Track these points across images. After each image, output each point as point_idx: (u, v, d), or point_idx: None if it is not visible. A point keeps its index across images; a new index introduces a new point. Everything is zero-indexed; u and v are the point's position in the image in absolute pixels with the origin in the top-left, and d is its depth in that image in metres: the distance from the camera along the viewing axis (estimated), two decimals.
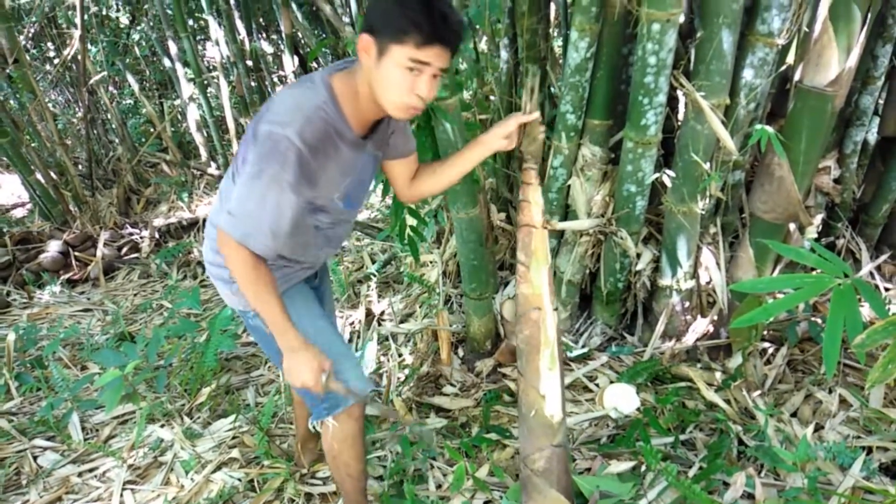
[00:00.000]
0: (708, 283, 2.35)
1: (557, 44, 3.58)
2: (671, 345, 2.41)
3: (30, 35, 6.79)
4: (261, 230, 1.37)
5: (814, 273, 1.48)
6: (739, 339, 2.29)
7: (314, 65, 6.93)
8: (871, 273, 2.61)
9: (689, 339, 2.40)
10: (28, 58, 5.36)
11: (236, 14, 5.22)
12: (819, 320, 2.37)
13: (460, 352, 2.69)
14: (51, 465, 2.38)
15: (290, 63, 5.26)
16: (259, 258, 1.42)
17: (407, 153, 1.71)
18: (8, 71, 4.92)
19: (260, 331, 1.66)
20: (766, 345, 2.39)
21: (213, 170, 5.84)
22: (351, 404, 1.65)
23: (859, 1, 1.79)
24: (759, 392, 2.18)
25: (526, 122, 1.63)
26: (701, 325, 2.40)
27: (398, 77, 1.35)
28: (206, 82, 5.77)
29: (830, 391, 2.14)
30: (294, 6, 5.05)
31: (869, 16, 1.86)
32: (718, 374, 2.29)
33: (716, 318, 2.40)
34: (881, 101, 2.49)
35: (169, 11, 5.60)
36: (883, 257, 2.62)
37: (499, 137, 1.64)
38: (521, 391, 1.69)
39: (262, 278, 1.45)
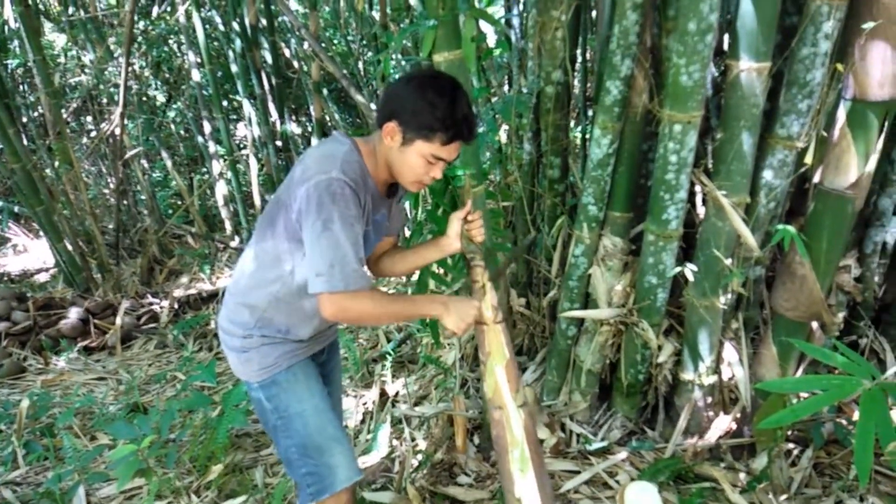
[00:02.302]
0: (730, 379, 2.32)
1: (574, 134, 3.71)
2: (694, 442, 2.35)
3: (71, 109, 7.15)
4: (351, 268, 1.42)
5: (839, 374, 1.47)
6: (764, 438, 2.23)
7: None
8: None
9: (711, 437, 2.35)
10: (68, 130, 5.62)
11: (269, 98, 5.47)
12: (845, 422, 2.31)
13: (476, 439, 2.63)
14: None
15: None
16: (364, 291, 1.45)
17: (396, 232, 1.83)
18: (48, 142, 5.15)
19: (259, 403, 1.69)
20: (791, 445, 2.32)
21: (235, 243, 5.96)
22: (339, 489, 1.62)
23: (875, 110, 1.86)
24: (785, 496, 2.10)
25: (463, 219, 1.72)
26: (724, 423, 2.35)
27: (419, 165, 1.50)
28: (236, 160, 5.98)
29: (862, 499, 2.06)
30: (325, 91, 5.31)
31: (886, 123, 1.92)
32: (742, 475, 2.22)
33: (739, 415, 2.35)
34: None
35: (205, 92, 5.89)
36: None
37: (452, 239, 1.74)
38: (503, 495, 1.62)
39: (383, 300, 1.51)
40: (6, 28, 6.13)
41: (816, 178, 2.07)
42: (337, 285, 1.41)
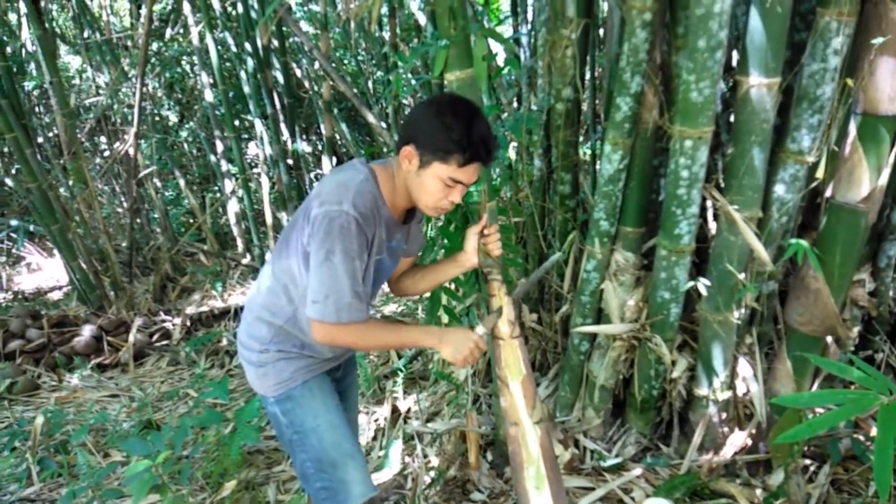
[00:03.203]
0: (745, 394, 2.31)
1: (584, 151, 3.73)
2: (709, 458, 2.33)
3: (86, 130, 7.25)
4: (345, 300, 1.46)
5: (855, 389, 1.46)
6: (780, 454, 2.21)
7: None
8: None
9: (727, 453, 2.33)
10: (82, 150, 5.70)
11: (281, 117, 5.53)
12: (862, 437, 2.29)
13: (489, 455, 2.62)
14: None
15: (328, 163, 5.52)
16: (353, 324, 1.50)
17: (414, 253, 1.85)
18: (63, 162, 5.23)
19: (275, 417, 1.71)
20: (808, 461, 2.30)
21: (247, 260, 6.00)
22: None
23: (887, 124, 1.86)
24: None
25: (480, 233, 1.73)
26: (739, 438, 2.33)
27: (437, 188, 1.50)
28: (248, 178, 6.04)
29: None
30: (335, 111, 5.37)
31: None
32: (759, 491, 2.19)
33: (754, 431, 2.33)
34: None
35: (218, 112, 5.97)
36: None
37: (469, 254, 1.74)
38: None
39: (372, 331, 1.55)
40: (24, 51, 6.27)
41: (828, 193, 2.07)
42: (329, 316, 1.47)
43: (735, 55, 2.33)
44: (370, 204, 1.49)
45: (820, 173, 2.15)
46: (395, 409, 3.11)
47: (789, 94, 2.06)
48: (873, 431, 2.30)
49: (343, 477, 1.63)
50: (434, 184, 1.49)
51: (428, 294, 2.29)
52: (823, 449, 2.31)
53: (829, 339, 2.21)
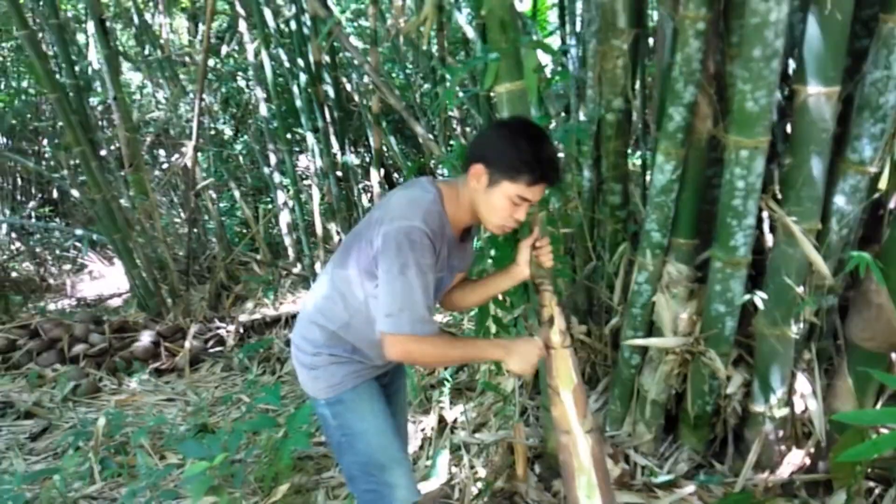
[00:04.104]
0: (803, 411, 2.24)
1: (633, 161, 3.69)
2: (765, 477, 2.26)
3: (146, 143, 7.57)
4: (419, 314, 1.49)
5: None
6: (841, 475, 2.13)
7: (396, 175, 7.35)
8: None
9: (784, 472, 2.26)
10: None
11: (331, 130, 5.66)
12: None
13: (537, 468, 2.61)
14: None
15: (375, 175, 5.60)
16: (427, 336, 1.53)
17: (465, 269, 1.86)
18: (124, 174, 5.47)
19: (325, 419, 1.75)
20: (871, 484, 2.21)
21: (298, 270, 6.13)
22: None
23: None
24: None
25: (532, 245, 1.76)
26: (797, 457, 2.26)
27: (504, 206, 1.55)
28: (299, 190, 6.19)
29: None
30: (383, 124, 5.46)
31: None
32: None
33: (812, 450, 2.26)
34: None
35: (271, 126, 6.15)
36: None
37: (522, 266, 1.77)
38: None
39: (443, 345, 1.57)
40: (90, 69, 6.60)
41: (892, 204, 2.00)
42: (403, 328, 1.49)
43: (791, 63, 2.28)
44: (438, 223, 1.55)
45: (883, 184, 2.08)
46: (441, 420, 3.12)
47: (849, 102, 2.00)
48: None
49: (388, 480, 1.67)
50: (502, 202, 1.54)
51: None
52: (889, 472, 2.21)
53: (894, 356, 2.12)
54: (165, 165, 7.90)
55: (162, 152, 8.11)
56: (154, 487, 2.75)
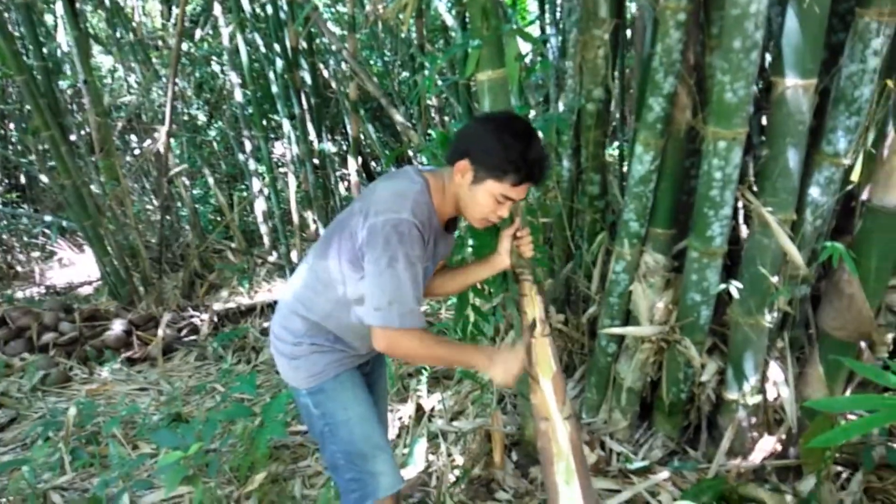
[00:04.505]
0: (776, 399, 2.28)
1: (610, 152, 3.72)
2: (738, 462, 2.31)
3: (117, 128, 7.40)
4: (408, 308, 1.48)
5: (890, 395, 1.44)
6: (811, 460, 2.18)
7: (374, 164, 7.30)
8: None
9: (756, 458, 2.30)
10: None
11: (308, 117, 5.59)
12: None
13: (514, 455, 2.63)
14: None
15: (353, 163, 5.55)
16: (416, 330, 1.52)
17: (446, 257, 1.86)
18: (95, 159, 5.34)
19: (307, 409, 1.74)
20: (839, 468, 2.27)
21: (273, 258, 6.07)
22: (381, 497, 1.67)
23: None
24: None
25: (513, 235, 1.77)
26: (769, 444, 2.30)
27: (488, 203, 1.55)
28: (275, 177, 6.11)
29: None
30: (361, 111, 5.41)
31: None
32: (789, 498, 2.16)
33: (784, 436, 2.30)
34: None
35: (246, 112, 6.05)
36: None
37: (503, 256, 1.79)
38: None
39: (431, 344, 1.56)
40: (59, 51, 6.41)
41: (865, 196, 2.04)
42: (392, 322, 1.48)
43: (768, 56, 2.30)
44: (426, 214, 1.54)
45: (856, 176, 2.12)
46: (419, 408, 3.12)
47: (825, 95, 2.03)
48: None
49: (372, 469, 1.66)
50: (486, 199, 1.54)
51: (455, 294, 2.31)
52: (856, 457, 2.27)
53: (863, 344, 2.17)
54: (137, 151, 7.74)
55: (134, 137, 7.93)
56: (127, 477, 2.71)
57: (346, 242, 1.56)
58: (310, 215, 5.90)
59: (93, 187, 5.76)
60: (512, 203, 1.57)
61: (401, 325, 1.48)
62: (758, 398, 2.28)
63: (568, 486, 1.57)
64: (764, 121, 2.27)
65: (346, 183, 6.35)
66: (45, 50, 5.39)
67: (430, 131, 5.64)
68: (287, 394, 2.77)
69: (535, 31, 4.13)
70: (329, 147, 6.00)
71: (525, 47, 4.19)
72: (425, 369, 3.52)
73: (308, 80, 5.51)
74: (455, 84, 4.25)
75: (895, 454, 2.20)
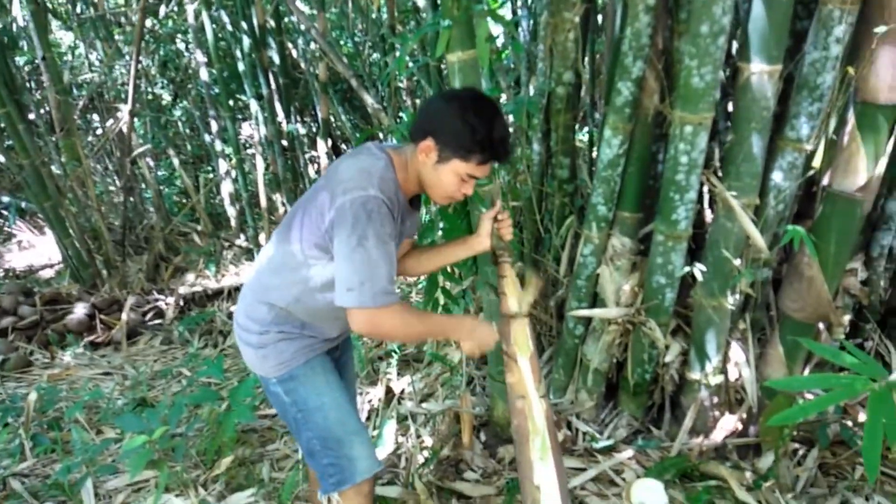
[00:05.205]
0: (737, 379, 2.34)
1: (579, 137, 3.73)
2: (699, 441, 2.36)
3: (79, 107, 7.18)
4: (381, 286, 1.46)
5: (845, 374, 1.48)
6: (770, 438, 2.25)
7: (344, 146, 7.22)
8: None
9: (717, 436, 2.36)
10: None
11: (276, 97, 5.50)
12: (850, 423, 2.33)
13: (482, 436, 2.65)
14: None
15: (322, 146, 5.49)
16: (393, 307, 1.49)
17: (413, 235, 1.86)
18: (55, 139, 5.18)
19: (277, 397, 1.71)
20: (797, 446, 2.34)
21: (241, 241, 5.98)
22: (359, 481, 1.67)
23: (886, 113, 1.88)
24: (791, 495, 2.12)
25: (494, 218, 1.78)
26: (730, 422, 2.36)
27: (452, 182, 1.54)
28: (242, 159, 6.01)
29: (868, 499, 2.07)
30: (330, 92, 5.34)
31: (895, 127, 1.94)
32: (748, 474, 2.23)
33: (745, 415, 2.37)
34: None
35: (212, 92, 5.92)
36: None
37: (483, 238, 1.80)
38: (520, 483, 1.67)
39: (411, 318, 1.55)
40: (14, 26, 6.17)
41: (825, 181, 2.09)
42: (366, 302, 1.45)
43: (734, 43, 2.33)
44: (393, 190, 1.52)
45: (817, 162, 2.17)
46: (389, 391, 3.12)
47: (789, 81, 2.07)
48: (861, 417, 2.34)
49: (349, 453, 1.65)
50: (451, 179, 1.53)
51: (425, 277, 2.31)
52: (812, 434, 2.34)
53: (821, 326, 2.24)
54: (100, 131, 7.52)
55: (96, 117, 7.70)
56: (90, 462, 2.66)
57: (308, 225, 1.53)
58: (278, 198, 5.83)
59: (53, 167, 5.60)
60: (475, 182, 1.57)
61: (374, 305, 1.45)
62: (719, 378, 2.33)
63: (543, 462, 1.60)
64: (730, 107, 2.31)
65: (315, 165, 6.28)
66: None
67: (401, 114, 5.59)
68: (254, 378, 2.74)
69: (506, 13, 4.11)
70: (298, 128, 5.92)
71: (496, 30, 4.16)
72: (395, 352, 3.52)
73: (276, 59, 5.41)
74: (426, 66, 4.22)
75: (849, 431, 2.28)
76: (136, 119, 6.28)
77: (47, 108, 5.43)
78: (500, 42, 4.14)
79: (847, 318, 2.46)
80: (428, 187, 1.58)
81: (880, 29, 1.78)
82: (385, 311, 1.47)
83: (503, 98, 3.64)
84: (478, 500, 2.32)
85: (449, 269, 2.41)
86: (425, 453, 2.59)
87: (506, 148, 1.53)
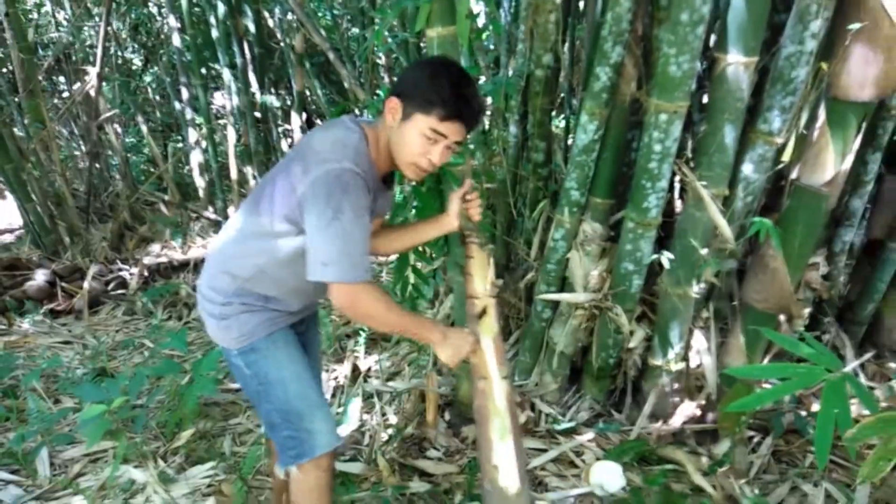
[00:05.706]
0: (698, 366, 2.38)
1: (556, 122, 3.73)
2: (659, 426, 2.41)
3: (44, 68, 6.93)
4: (358, 257, 1.44)
5: (803, 365, 1.52)
6: (727, 425, 2.30)
7: (319, 121, 7.11)
8: (855, 371, 2.66)
9: (676, 422, 2.41)
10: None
11: (250, 67, 5.38)
12: (804, 413, 2.40)
13: (447, 415, 2.66)
14: (12, 501, 2.29)
15: (297, 119, 5.40)
16: (372, 286, 1.48)
17: (384, 213, 1.83)
18: (18, 100, 5.00)
19: (239, 369, 1.69)
20: (752, 433, 2.40)
21: (210, 213, 5.87)
22: (318, 454, 1.65)
23: (855, 110, 1.91)
24: (744, 480, 2.17)
25: (462, 198, 1.76)
26: (689, 409, 2.41)
27: (416, 141, 1.49)
28: (213, 129, 5.88)
29: (816, 485, 2.14)
30: (307, 65, 5.24)
31: (864, 124, 1.97)
32: (704, 459, 2.28)
33: (704, 402, 2.41)
34: (869, 205, 2.61)
35: (185, 58, 5.77)
36: (867, 356, 2.67)
37: (451, 218, 1.77)
38: (479, 463, 1.68)
39: (392, 306, 1.53)
40: None
41: (794, 175, 2.12)
42: (346, 276, 1.43)
43: (714, 37, 2.34)
44: (367, 163, 1.49)
45: (787, 155, 2.20)
46: (355, 368, 3.11)
47: (764, 74, 2.09)
48: (814, 407, 2.41)
49: (309, 427, 1.64)
50: (414, 137, 1.48)
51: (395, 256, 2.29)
52: (767, 422, 2.41)
53: (782, 317, 2.29)
54: (66, 94, 7.28)
55: (62, 79, 7.45)
56: (46, 432, 2.61)
57: (281, 197, 1.50)
58: (249, 170, 5.73)
59: (15, 129, 5.41)
60: (445, 150, 1.51)
61: (354, 279, 1.43)
62: (681, 365, 2.37)
63: (502, 442, 1.61)
64: (705, 98, 2.32)
65: (288, 139, 6.17)
66: None
67: (378, 91, 5.53)
68: (218, 351, 2.71)
69: None
70: (272, 100, 5.80)
71: (478, 7, 4.12)
72: (363, 330, 3.51)
73: (252, 28, 5.29)
74: (405, 42, 4.16)
75: (802, 421, 2.35)
76: (104, 83, 6.09)
77: (10, 68, 5.23)
78: (480, 22, 4.11)
79: (807, 310, 2.52)
80: (396, 154, 1.54)
81: (854, 26, 1.80)
82: (364, 287, 1.46)
83: (482, 79, 3.61)
84: (440, 477, 2.33)
85: (420, 249, 2.39)
86: (389, 431, 2.60)
87: (471, 108, 1.48)
